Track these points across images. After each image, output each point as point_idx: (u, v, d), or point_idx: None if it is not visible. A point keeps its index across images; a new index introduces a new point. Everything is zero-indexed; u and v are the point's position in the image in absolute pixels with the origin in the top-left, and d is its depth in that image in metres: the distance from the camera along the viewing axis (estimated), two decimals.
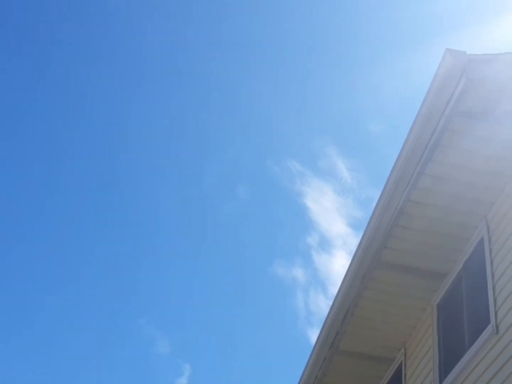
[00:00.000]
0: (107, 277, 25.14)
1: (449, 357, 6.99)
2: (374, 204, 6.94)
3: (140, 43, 20.92)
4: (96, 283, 25.12)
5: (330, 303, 8.14)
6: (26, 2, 20.46)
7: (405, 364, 8.08)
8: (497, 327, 6.00)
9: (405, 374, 7.99)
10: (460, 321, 6.88)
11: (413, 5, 19.42)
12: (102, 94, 22.01)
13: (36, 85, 21.74)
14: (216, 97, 21.70)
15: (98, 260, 25.09)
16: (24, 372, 23.66)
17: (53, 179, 23.60)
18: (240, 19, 20.79)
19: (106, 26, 20.97)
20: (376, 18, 19.91)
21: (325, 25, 20.66)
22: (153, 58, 21.38)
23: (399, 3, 19.93)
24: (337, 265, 23.94)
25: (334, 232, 23.93)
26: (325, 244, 24.30)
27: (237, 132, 22.97)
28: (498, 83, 5.86)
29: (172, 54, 21.54)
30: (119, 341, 25.50)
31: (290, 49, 21.35)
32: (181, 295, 25.59)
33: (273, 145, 23.35)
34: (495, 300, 6.17)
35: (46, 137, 22.83)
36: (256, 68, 21.70)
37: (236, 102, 22.08)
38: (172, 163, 23.47)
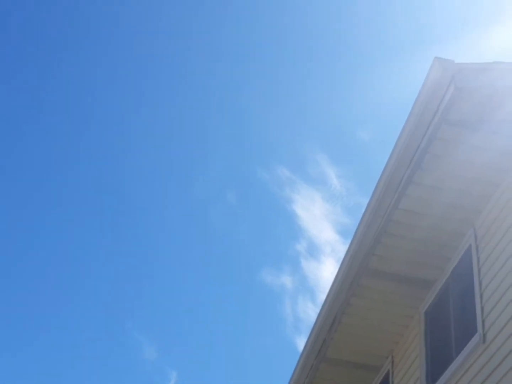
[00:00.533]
0: (95, 282, 25.05)
1: (436, 366, 6.99)
2: (362, 212, 6.95)
3: (136, 53, 20.94)
4: (83, 288, 25.03)
5: (318, 310, 8.16)
6: (28, 4, 20.42)
7: (392, 372, 8.07)
8: (484, 335, 6.00)
9: (392, 382, 7.97)
10: (447, 329, 6.87)
11: (407, 14, 19.49)
12: (103, 97, 21.97)
13: (40, 87, 21.72)
14: (205, 104, 21.70)
15: (85, 265, 24.99)
16: (8, 375, 23.49)
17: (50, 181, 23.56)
18: (230, 26, 20.82)
19: (110, 29, 20.97)
20: (369, 28, 19.99)
21: (316, 34, 20.71)
22: (147, 66, 21.39)
23: (391, 12, 20.00)
24: (326, 272, 23.95)
25: (323, 239, 23.95)
26: (314, 251, 24.30)
27: (227, 139, 22.97)
28: (488, 92, 5.86)
29: (160, 62, 21.54)
30: (105, 346, 25.39)
31: (280, 57, 21.39)
32: (168, 300, 25.53)
33: (263, 151, 23.37)
34: (482, 308, 6.16)
35: (46, 139, 22.81)
36: (246, 75, 21.73)
37: (226, 108, 22.09)
38: (161, 168, 23.44)
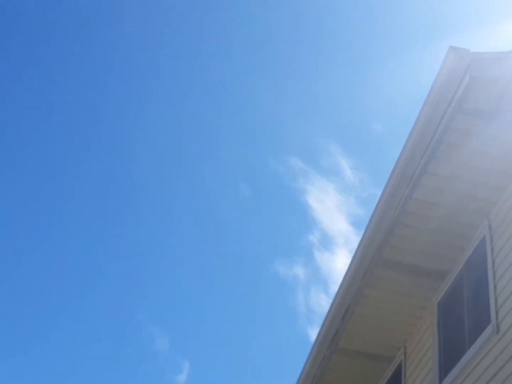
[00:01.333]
0: (107, 274, 25.16)
1: (449, 357, 6.95)
2: (376, 203, 6.89)
3: (149, 45, 20.95)
4: (95, 280, 25.14)
5: (331, 301, 8.10)
6: (35, 6, 20.48)
7: (405, 363, 8.03)
8: (497, 326, 5.96)
9: (405, 373, 7.94)
10: (460, 320, 6.84)
11: (422, 4, 19.32)
12: (113, 90, 22.03)
13: (47, 91, 21.80)
14: (218, 96, 21.68)
15: (97, 257, 25.08)
16: (20, 369, 23.67)
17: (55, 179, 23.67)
18: (243, 16, 20.76)
19: (118, 24, 20.99)
20: (382, 17, 19.86)
21: (330, 24, 20.63)
22: (158, 57, 21.40)
23: (406, 3, 19.85)
24: (339, 263, 23.92)
25: (336, 230, 23.90)
26: (327, 242, 24.28)
27: (239, 130, 22.94)
28: (505, 82, 5.80)
29: (170, 54, 21.52)
30: (118, 337, 25.51)
31: (294, 47, 21.31)
32: (181, 292, 25.59)
33: (276, 143, 23.32)
34: (496, 299, 6.12)
35: (53, 137, 22.91)
36: (258, 66, 21.67)
37: (239, 100, 22.05)
38: (173, 162, 23.45)
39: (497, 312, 6.04)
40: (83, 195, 23.79)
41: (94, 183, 23.70)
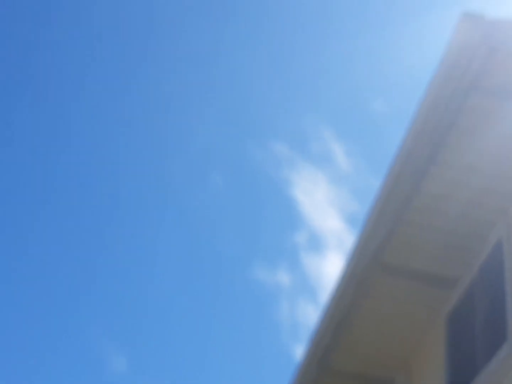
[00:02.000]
0: (54, 283, 23.63)
1: (459, 379, 6.59)
2: (374, 196, 6.48)
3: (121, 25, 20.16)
4: (41, 290, 23.65)
5: (321, 313, 7.68)
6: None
7: None
8: None
9: None
10: (473, 337, 6.49)
11: None
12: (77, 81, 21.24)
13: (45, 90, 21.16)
14: (186, 70, 20.39)
15: (45, 264, 23.72)
16: None
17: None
18: None
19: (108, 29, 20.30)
20: None
21: None
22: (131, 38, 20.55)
23: None
24: (330, 268, 23.07)
25: (327, 229, 22.95)
26: (316, 243, 23.36)
27: (211, 109, 21.57)
28: None
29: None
30: (65, 356, 24.04)
31: (276, 13, 20.06)
32: (142, 303, 24.04)
33: (255, 125, 22.09)
34: None
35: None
36: (233, 34, 20.40)
37: (212, 75, 20.73)
38: (134, 148, 22.02)
39: None
40: (42, 205, 22.85)
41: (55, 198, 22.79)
